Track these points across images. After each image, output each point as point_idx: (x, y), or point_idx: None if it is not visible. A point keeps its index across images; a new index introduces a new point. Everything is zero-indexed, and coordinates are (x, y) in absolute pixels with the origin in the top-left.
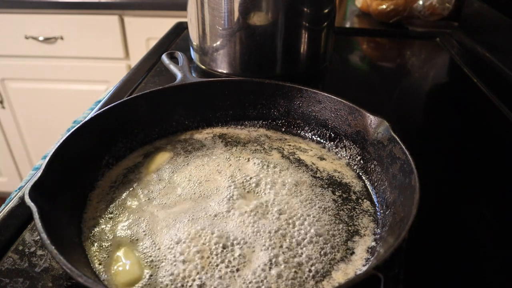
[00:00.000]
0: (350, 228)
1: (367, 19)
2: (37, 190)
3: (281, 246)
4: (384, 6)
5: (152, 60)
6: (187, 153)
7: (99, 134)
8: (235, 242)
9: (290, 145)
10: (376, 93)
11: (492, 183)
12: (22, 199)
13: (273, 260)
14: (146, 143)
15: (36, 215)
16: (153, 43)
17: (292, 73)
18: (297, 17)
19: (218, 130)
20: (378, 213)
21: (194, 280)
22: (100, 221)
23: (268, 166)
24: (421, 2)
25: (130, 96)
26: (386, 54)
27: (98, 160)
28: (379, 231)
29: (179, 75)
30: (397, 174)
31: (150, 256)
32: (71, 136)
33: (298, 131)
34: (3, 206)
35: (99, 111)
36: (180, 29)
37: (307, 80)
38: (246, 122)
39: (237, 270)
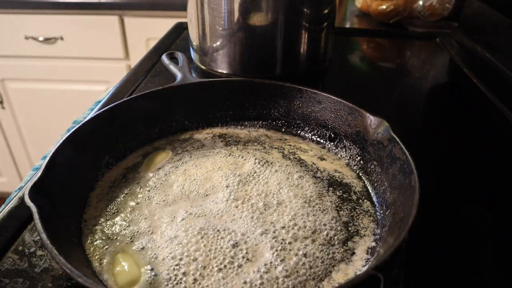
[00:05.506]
0: (350, 228)
1: (367, 19)
2: (37, 190)
3: (281, 246)
4: (384, 7)
5: (152, 60)
6: (186, 153)
7: (99, 134)
8: (234, 241)
9: (290, 145)
10: (376, 93)
11: (492, 183)
12: (22, 199)
13: (273, 260)
14: (146, 143)
15: (36, 215)
16: (153, 43)
17: (292, 73)
18: (297, 17)
19: (218, 130)
20: (378, 214)
21: (194, 279)
22: (100, 221)
23: (268, 165)
24: (421, 2)
25: (130, 96)
26: (386, 54)
27: (98, 160)
28: (379, 231)
29: (179, 75)
30: (397, 174)
31: (150, 255)
32: (71, 136)
33: (298, 131)
34: (3, 206)
35: (99, 111)
36: (180, 29)
37: (307, 80)
38: (246, 122)
39: (237, 269)
